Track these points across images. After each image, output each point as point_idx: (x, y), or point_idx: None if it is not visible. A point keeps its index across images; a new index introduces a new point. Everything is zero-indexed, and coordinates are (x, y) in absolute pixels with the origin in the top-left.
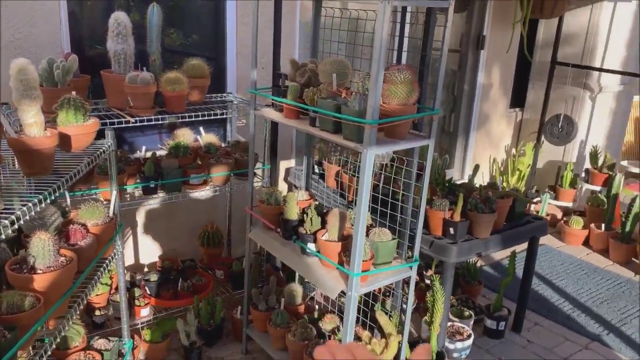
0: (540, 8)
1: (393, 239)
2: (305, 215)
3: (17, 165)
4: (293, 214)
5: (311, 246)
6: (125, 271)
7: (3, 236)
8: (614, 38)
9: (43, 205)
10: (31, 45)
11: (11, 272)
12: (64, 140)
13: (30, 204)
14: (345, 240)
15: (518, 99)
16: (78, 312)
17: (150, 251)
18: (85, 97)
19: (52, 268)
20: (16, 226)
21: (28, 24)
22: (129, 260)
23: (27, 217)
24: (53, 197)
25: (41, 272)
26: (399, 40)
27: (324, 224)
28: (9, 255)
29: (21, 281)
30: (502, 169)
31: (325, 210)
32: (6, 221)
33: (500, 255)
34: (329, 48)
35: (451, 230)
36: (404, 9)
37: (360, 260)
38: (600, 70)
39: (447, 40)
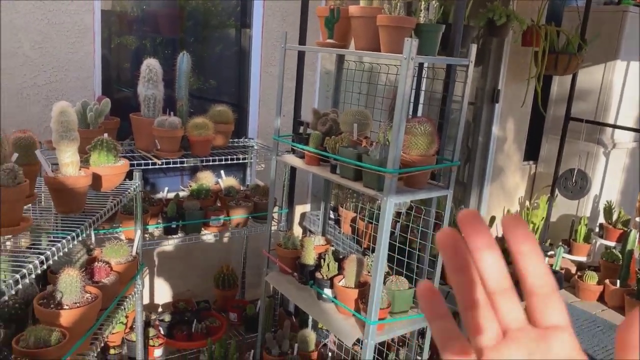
0: (554, 65)
1: (410, 287)
2: (322, 260)
3: (44, 203)
4: (310, 258)
5: (328, 292)
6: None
7: (33, 275)
8: (627, 96)
9: (75, 242)
10: (65, 88)
11: (39, 307)
12: (95, 180)
13: (60, 243)
14: (362, 287)
15: (532, 152)
16: (98, 350)
17: (165, 291)
18: (116, 139)
19: (78, 304)
20: (47, 264)
21: (64, 69)
22: (145, 299)
23: (59, 255)
24: (83, 235)
25: (68, 307)
26: (415, 93)
27: (340, 270)
28: (36, 291)
29: (48, 316)
30: None
31: (341, 257)
32: (36, 261)
33: None
34: (349, 98)
35: None
36: (421, 64)
37: (377, 308)
38: (614, 126)
39: (467, 97)
